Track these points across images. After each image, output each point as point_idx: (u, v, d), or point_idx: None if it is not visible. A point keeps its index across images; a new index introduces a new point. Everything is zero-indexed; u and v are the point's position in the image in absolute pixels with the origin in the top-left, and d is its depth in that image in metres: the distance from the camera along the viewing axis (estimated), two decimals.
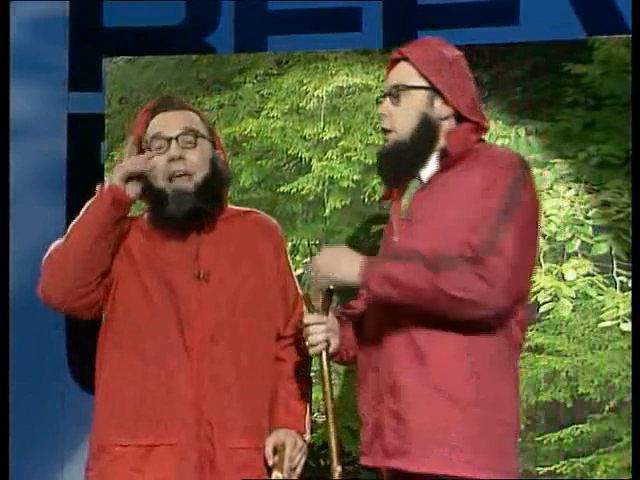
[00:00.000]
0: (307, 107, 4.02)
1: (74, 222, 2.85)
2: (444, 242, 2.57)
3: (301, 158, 4.01)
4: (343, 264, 2.59)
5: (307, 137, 4.01)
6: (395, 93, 2.73)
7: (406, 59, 2.76)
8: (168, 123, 2.85)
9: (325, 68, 4.02)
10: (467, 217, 2.59)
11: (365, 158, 3.94)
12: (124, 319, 2.80)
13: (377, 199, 3.85)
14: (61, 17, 4.17)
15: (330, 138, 3.99)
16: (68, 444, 3.86)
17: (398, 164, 2.72)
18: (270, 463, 2.77)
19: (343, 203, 3.88)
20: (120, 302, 2.82)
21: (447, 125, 2.74)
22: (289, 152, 4.01)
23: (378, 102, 2.81)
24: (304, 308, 2.75)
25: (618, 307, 3.70)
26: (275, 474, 2.71)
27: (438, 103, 2.73)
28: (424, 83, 2.73)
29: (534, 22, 3.90)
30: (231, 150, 3.96)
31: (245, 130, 4.03)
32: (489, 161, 2.67)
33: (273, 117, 4.03)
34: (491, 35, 3.91)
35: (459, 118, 2.75)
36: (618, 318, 3.70)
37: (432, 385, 2.57)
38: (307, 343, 2.69)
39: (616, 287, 3.72)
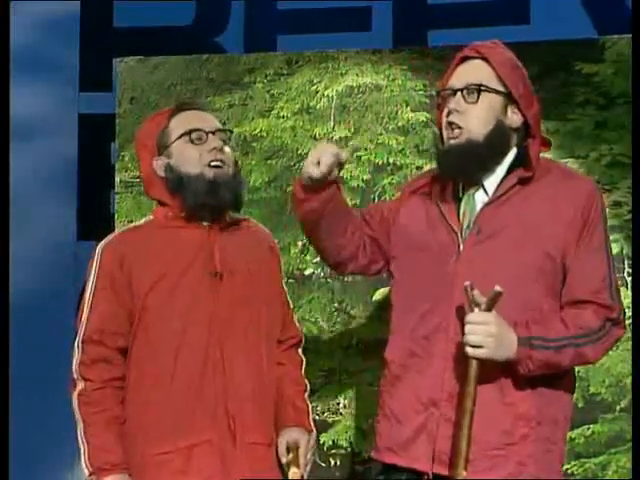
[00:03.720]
0: (317, 107, 4.02)
1: None
2: (525, 255, 2.56)
3: None
4: (503, 346, 2.49)
5: (317, 137, 4.00)
6: (473, 91, 2.63)
7: (484, 59, 2.67)
8: (201, 119, 2.89)
9: (335, 68, 4.02)
10: (557, 237, 2.57)
11: (375, 157, 3.94)
12: (153, 329, 2.81)
13: (387, 198, 3.85)
14: (72, 17, 4.18)
15: (340, 138, 3.99)
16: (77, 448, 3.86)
17: (469, 164, 2.63)
18: (284, 461, 2.78)
19: (353, 203, 3.87)
20: (148, 314, 2.83)
21: (516, 136, 2.68)
22: (299, 152, 4.01)
23: (443, 97, 2.70)
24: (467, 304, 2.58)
25: (629, 307, 3.68)
26: (293, 472, 2.73)
27: (511, 112, 2.66)
28: (502, 88, 2.65)
29: (545, 21, 3.90)
30: (241, 150, 3.97)
31: (255, 130, 4.04)
32: (573, 183, 2.64)
33: (283, 117, 4.04)
34: (502, 35, 3.84)
35: (525, 131, 2.69)
36: (629, 318, 3.68)
37: (501, 402, 2.55)
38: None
39: (627, 287, 3.71)
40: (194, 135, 2.84)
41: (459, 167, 2.65)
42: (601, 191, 2.72)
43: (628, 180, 3.72)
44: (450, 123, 2.66)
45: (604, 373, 3.68)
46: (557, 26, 3.86)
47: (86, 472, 2.75)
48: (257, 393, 2.81)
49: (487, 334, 2.49)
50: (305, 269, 3.94)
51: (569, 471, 3.68)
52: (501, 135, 2.65)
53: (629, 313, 3.69)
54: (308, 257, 3.92)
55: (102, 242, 2.88)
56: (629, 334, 3.64)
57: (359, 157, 3.96)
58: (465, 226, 2.65)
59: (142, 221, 2.97)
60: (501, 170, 2.67)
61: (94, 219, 4.15)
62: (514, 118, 2.67)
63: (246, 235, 2.93)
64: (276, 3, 4.08)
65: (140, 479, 2.77)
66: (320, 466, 3.82)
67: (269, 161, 4.03)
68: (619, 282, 3.68)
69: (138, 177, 4.17)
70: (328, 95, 4.02)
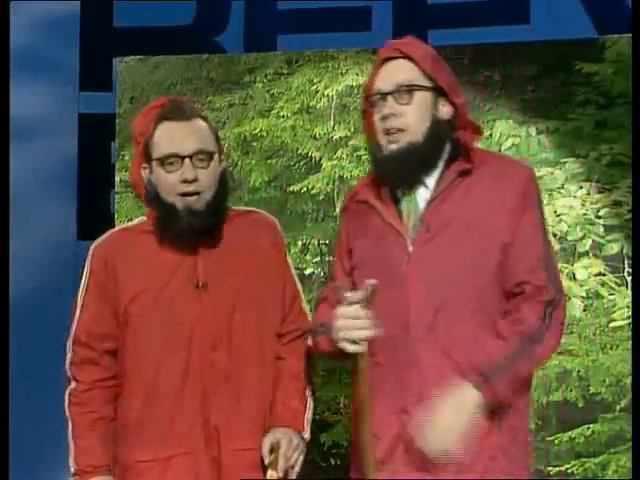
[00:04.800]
0: (317, 106, 4.02)
1: None
2: (475, 247, 2.55)
3: (311, 157, 4.01)
4: (464, 404, 2.49)
5: (317, 136, 4.01)
6: (404, 92, 2.61)
7: (407, 57, 2.65)
8: (181, 139, 2.79)
9: (335, 67, 4.02)
10: (503, 225, 2.56)
11: None
12: (134, 337, 2.81)
13: None
14: (72, 17, 4.18)
15: (340, 137, 3.99)
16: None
17: (411, 167, 2.61)
18: (266, 462, 2.76)
19: None
20: (131, 322, 2.82)
21: (450, 128, 2.66)
22: (299, 151, 4.01)
23: (372, 102, 2.65)
24: (338, 299, 2.59)
25: (629, 307, 3.69)
26: (270, 473, 2.70)
27: (441, 105, 2.65)
28: (430, 83, 2.64)
29: (545, 21, 3.89)
30: (241, 149, 3.97)
31: (255, 129, 4.04)
32: (510, 171, 2.63)
33: (283, 116, 4.04)
34: (502, 34, 3.90)
35: (454, 122, 2.68)
36: (629, 318, 3.68)
37: None
38: (345, 336, 2.53)
39: (627, 287, 3.71)
40: (167, 162, 2.76)
41: (404, 171, 2.62)
42: (536, 177, 2.69)
43: (628, 179, 3.72)
44: (388, 129, 2.62)
45: (604, 373, 3.68)
46: (557, 26, 3.86)
47: (71, 471, 2.79)
48: (248, 399, 2.79)
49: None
50: (305, 269, 3.94)
51: (569, 471, 3.68)
52: (439, 131, 2.63)
53: (629, 313, 3.70)
54: (308, 257, 3.92)
55: (94, 242, 2.88)
56: (629, 334, 3.65)
57: (359, 157, 3.96)
58: (411, 226, 2.62)
59: (135, 221, 2.95)
60: (440, 165, 2.65)
61: (94, 219, 4.15)
62: (445, 110, 2.65)
63: (241, 234, 2.89)
64: (276, 3, 4.08)
65: None
66: (320, 466, 3.82)
67: (269, 161, 4.03)
68: (618, 281, 3.73)
69: None
70: (328, 95, 4.02)
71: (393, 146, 2.62)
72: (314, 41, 4.03)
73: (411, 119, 2.61)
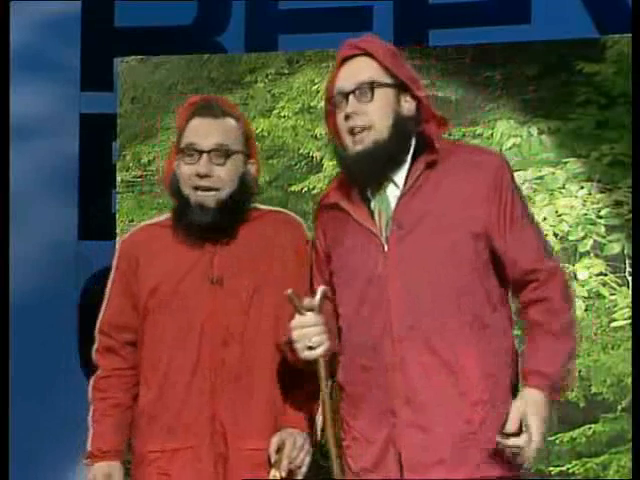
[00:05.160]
0: (318, 106, 4.02)
1: None
2: (450, 240, 2.53)
3: (312, 157, 4.01)
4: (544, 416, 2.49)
5: (318, 136, 4.01)
6: (365, 90, 2.56)
7: (366, 54, 2.60)
8: (203, 133, 2.81)
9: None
10: (477, 216, 2.54)
11: None
12: (152, 330, 2.84)
13: None
14: (73, 17, 4.18)
15: None
16: (81, 445, 3.86)
17: (379, 165, 2.57)
18: (271, 461, 2.77)
19: None
20: (150, 315, 2.85)
21: (414, 124, 2.62)
22: (300, 151, 4.01)
23: (334, 103, 2.60)
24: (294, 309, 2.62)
25: (630, 307, 3.68)
26: (273, 473, 2.69)
27: (404, 100, 2.61)
28: (390, 80, 2.60)
29: (546, 21, 3.90)
30: None
31: (256, 129, 4.03)
32: (479, 160, 2.61)
33: (284, 116, 4.04)
34: (503, 34, 3.90)
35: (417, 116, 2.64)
36: (630, 318, 3.68)
37: (456, 392, 2.52)
38: (300, 345, 2.55)
39: (629, 287, 3.71)
40: (187, 153, 2.79)
41: (372, 171, 2.58)
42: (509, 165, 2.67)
43: (629, 179, 3.72)
44: (351, 128, 2.58)
45: (605, 373, 3.67)
46: (558, 26, 3.86)
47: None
48: (258, 399, 2.79)
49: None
50: None
51: (570, 470, 3.68)
52: (403, 127, 2.59)
53: (630, 313, 3.70)
54: None
55: (122, 237, 2.98)
56: (630, 334, 3.65)
57: None
58: (384, 225, 2.59)
59: (162, 217, 2.96)
60: (407, 160, 2.62)
61: (95, 219, 4.15)
62: (407, 106, 2.62)
63: (261, 232, 2.89)
64: (277, 3, 4.08)
65: (135, 471, 2.83)
66: (322, 466, 3.81)
67: (270, 161, 4.03)
68: (619, 281, 3.73)
69: (139, 176, 4.18)
70: None
71: (359, 146, 2.58)
72: (315, 41, 4.03)
73: (374, 116, 2.57)
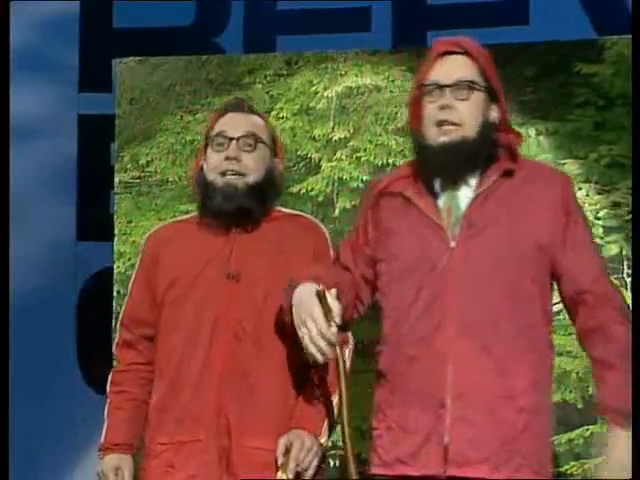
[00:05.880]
0: (316, 107, 4.02)
1: None
2: (517, 246, 2.58)
3: (310, 158, 4.01)
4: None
5: (316, 137, 4.01)
6: (464, 88, 2.61)
7: (466, 54, 2.66)
8: (233, 123, 2.91)
9: (334, 68, 4.03)
10: (544, 230, 2.60)
11: (375, 158, 3.94)
12: (167, 322, 2.88)
13: None
14: (72, 18, 4.18)
15: (339, 138, 3.99)
16: (81, 445, 3.87)
17: (462, 160, 2.61)
18: (279, 463, 2.77)
19: (352, 204, 3.88)
20: (166, 308, 2.89)
21: (496, 131, 2.67)
22: (298, 152, 4.01)
23: (426, 91, 2.64)
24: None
25: (629, 308, 3.69)
26: (279, 474, 2.71)
27: (492, 107, 2.67)
28: (485, 84, 2.65)
29: (544, 22, 3.90)
30: None
31: None
32: (548, 175, 2.68)
33: (282, 117, 4.04)
34: (501, 35, 3.90)
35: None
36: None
37: (504, 395, 2.54)
38: (312, 351, 2.59)
39: (627, 288, 3.71)
40: (216, 141, 2.89)
41: (454, 164, 2.63)
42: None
43: (628, 181, 3.72)
44: (443, 120, 2.62)
45: None
46: (556, 27, 3.87)
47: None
48: (267, 398, 2.80)
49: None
50: None
51: (568, 472, 3.68)
52: (488, 132, 2.64)
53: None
54: None
55: (150, 231, 3.04)
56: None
57: (359, 158, 3.96)
58: (452, 221, 2.62)
59: (188, 216, 3.04)
60: (482, 166, 2.66)
61: (94, 219, 4.16)
62: (493, 113, 2.67)
63: (281, 233, 2.90)
64: (275, 4, 4.08)
65: (144, 463, 2.86)
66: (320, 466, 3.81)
67: None
68: (617, 282, 3.72)
69: (137, 178, 4.18)
70: (327, 96, 4.02)
71: (444, 138, 2.61)
72: (314, 42, 4.03)
73: (467, 115, 2.61)
